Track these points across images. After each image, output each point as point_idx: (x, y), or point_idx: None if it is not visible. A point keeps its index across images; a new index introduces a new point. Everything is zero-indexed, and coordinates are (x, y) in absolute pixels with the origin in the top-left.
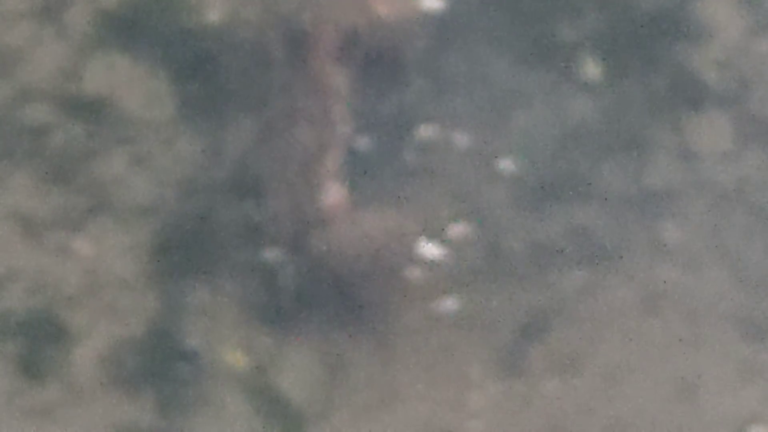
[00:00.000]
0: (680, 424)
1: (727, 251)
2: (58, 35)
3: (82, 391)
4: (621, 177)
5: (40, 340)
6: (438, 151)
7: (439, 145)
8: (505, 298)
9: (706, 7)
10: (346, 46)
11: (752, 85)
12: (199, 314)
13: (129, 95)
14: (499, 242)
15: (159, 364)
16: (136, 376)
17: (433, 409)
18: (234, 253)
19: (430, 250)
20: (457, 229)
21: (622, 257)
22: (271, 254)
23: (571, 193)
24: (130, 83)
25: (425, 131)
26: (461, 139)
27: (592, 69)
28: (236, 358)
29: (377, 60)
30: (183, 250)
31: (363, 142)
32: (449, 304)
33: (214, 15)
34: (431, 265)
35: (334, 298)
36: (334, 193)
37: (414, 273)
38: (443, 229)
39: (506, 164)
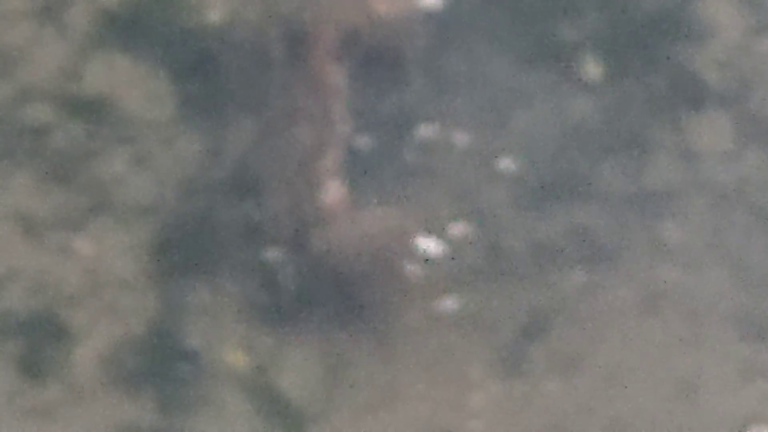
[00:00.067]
0: (680, 424)
1: (727, 251)
2: (59, 35)
3: (82, 391)
4: (621, 177)
5: (41, 339)
6: (438, 151)
7: (439, 144)
8: (506, 297)
9: (706, 7)
10: (347, 45)
11: (753, 85)
12: (200, 314)
13: (129, 95)
14: (499, 242)
15: (159, 364)
16: (136, 375)
17: (433, 409)
18: (234, 252)
19: (430, 249)
20: (458, 229)
21: (622, 257)
22: (271, 254)
23: (571, 192)
24: (131, 83)
25: (425, 131)
26: (461, 139)
27: (592, 69)
28: (237, 358)
29: (377, 59)
30: (183, 250)
31: (363, 142)
32: (449, 303)
33: (214, 15)
34: (431, 264)
35: (334, 297)
36: (334, 193)
37: (414, 272)
38: (443, 229)
39: (506, 164)
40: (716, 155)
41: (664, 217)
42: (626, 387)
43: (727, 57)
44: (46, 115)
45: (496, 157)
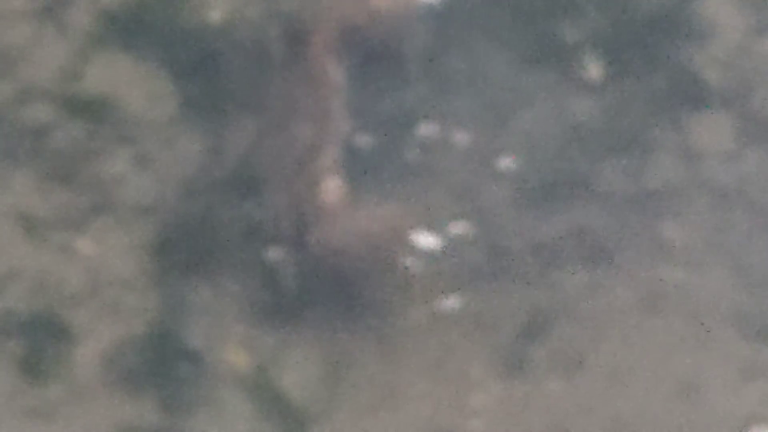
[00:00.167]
0: (681, 424)
1: (728, 251)
2: (59, 35)
3: (83, 391)
4: (622, 176)
5: (42, 339)
6: (438, 150)
7: (439, 143)
8: (506, 297)
9: (707, 7)
10: (347, 43)
11: (754, 85)
12: (201, 313)
13: (130, 95)
14: (500, 241)
15: (161, 364)
16: (137, 375)
17: (434, 408)
18: (235, 252)
19: (430, 248)
20: (458, 228)
21: (622, 257)
22: (272, 253)
23: (571, 192)
24: (132, 83)
25: (425, 129)
26: (462, 138)
27: (593, 68)
28: (238, 358)
29: (378, 58)
30: (184, 250)
31: (363, 140)
32: (450, 303)
33: (215, 14)
34: (432, 263)
35: (335, 296)
36: (334, 192)
37: (415, 272)
38: (444, 228)
39: (506, 163)
40: (717, 155)
41: (665, 216)
42: (627, 387)
43: (728, 57)
44: (47, 115)
45: (496, 156)
